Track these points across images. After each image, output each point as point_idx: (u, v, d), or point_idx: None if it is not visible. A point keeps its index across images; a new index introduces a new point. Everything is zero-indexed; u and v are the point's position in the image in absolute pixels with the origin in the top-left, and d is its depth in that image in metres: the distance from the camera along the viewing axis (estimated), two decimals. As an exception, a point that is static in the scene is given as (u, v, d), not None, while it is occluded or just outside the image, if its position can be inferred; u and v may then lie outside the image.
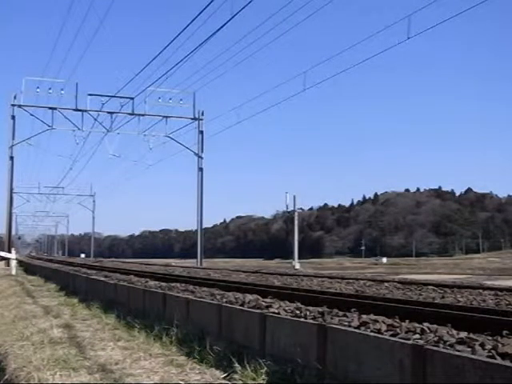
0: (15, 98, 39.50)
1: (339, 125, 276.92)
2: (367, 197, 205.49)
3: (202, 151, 42.32)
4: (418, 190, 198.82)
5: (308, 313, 6.10)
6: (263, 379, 4.78)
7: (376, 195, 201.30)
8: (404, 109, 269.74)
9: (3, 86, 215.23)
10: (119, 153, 43.73)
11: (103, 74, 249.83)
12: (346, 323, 5.29)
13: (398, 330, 4.88)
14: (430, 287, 11.04)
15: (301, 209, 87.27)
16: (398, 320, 5.40)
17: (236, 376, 4.96)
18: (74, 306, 11.84)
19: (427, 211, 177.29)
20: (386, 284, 12.37)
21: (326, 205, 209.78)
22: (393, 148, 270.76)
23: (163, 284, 11.62)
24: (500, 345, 3.96)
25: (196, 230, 43.45)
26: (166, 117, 41.04)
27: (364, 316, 5.65)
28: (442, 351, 3.74)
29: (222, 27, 16.67)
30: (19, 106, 39.56)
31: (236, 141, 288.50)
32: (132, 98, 37.21)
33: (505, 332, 4.71)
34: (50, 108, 39.24)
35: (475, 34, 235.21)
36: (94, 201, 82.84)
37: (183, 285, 11.32)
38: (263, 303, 7.11)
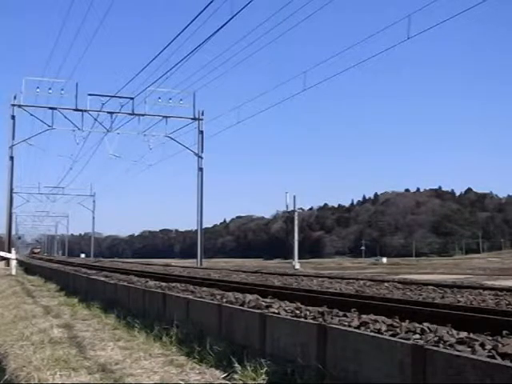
0: (15, 98, 39.54)
1: (339, 125, 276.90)
2: (367, 197, 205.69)
3: (202, 151, 42.36)
4: (418, 190, 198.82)
5: (308, 313, 6.10)
6: (263, 379, 4.78)
7: (376, 195, 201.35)
8: (404, 109, 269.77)
9: (3, 86, 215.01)
10: (119, 153, 43.76)
11: (103, 74, 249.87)
12: (346, 323, 5.29)
13: (397, 330, 4.88)
14: (430, 287, 11.03)
15: (301, 209, 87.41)
16: (397, 320, 5.40)
17: (236, 376, 4.96)
18: (74, 305, 11.84)
19: (427, 211, 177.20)
20: (386, 284, 12.36)
21: (326, 205, 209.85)
22: (393, 148, 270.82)
23: (163, 284, 11.62)
24: (500, 345, 3.96)
25: (196, 230, 43.46)
26: (166, 117, 41.05)
27: (364, 316, 5.66)
28: (442, 351, 3.74)
29: (222, 27, 16.65)
30: (19, 105, 39.57)
31: (236, 141, 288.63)
32: (132, 98, 37.23)
33: (505, 332, 4.71)
34: (50, 108, 39.25)
35: (475, 33, 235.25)
36: (94, 201, 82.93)
37: (183, 285, 11.32)
38: (263, 303, 7.11)
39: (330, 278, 15.19)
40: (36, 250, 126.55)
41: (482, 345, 4.02)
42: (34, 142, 42.24)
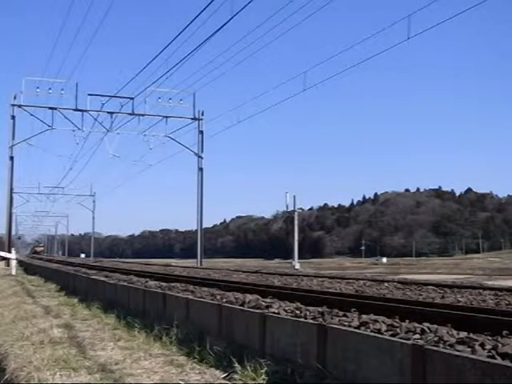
0: (15, 98, 39.47)
1: (339, 125, 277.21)
2: (367, 197, 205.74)
3: (202, 151, 42.30)
4: (418, 190, 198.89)
5: (308, 313, 6.10)
6: (263, 379, 4.78)
7: (376, 195, 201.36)
8: (404, 108, 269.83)
9: (3, 86, 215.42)
10: (119, 153, 43.91)
11: (103, 74, 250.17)
12: (346, 323, 5.29)
13: (398, 330, 4.88)
14: (430, 287, 11.03)
15: (301, 209, 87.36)
16: (397, 320, 5.40)
17: (236, 376, 4.96)
18: (74, 305, 11.84)
19: (427, 211, 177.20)
20: (386, 284, 12.37)
21: (326, 205, 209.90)
22: (393, 148, 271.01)
23: (163, 284, 11.62)
24: (500, 345, 3.96)
25: (196, 230, 43.44)
26: (166, 117, 41.01)
27: (364, 316, 5.66)
28: (442, 351, 3.74)
29: (222, 27, 16.66)
30: (19, 105, 39.53)
31: (236, 141, 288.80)
32: (132, 98, 37.19)
33: (505, 332, 4.71)
34: (50, 108, 39.21)
35: (475, 33, 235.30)
36: (94, 201, 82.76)
37: (183, 285, 11.32)
38: (263, 303, 7.11)
39: (329, 278, 15.19)
40: (38, 249, 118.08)
41: (482, 345, 4.02)
42: (34, 142, 42.22)
